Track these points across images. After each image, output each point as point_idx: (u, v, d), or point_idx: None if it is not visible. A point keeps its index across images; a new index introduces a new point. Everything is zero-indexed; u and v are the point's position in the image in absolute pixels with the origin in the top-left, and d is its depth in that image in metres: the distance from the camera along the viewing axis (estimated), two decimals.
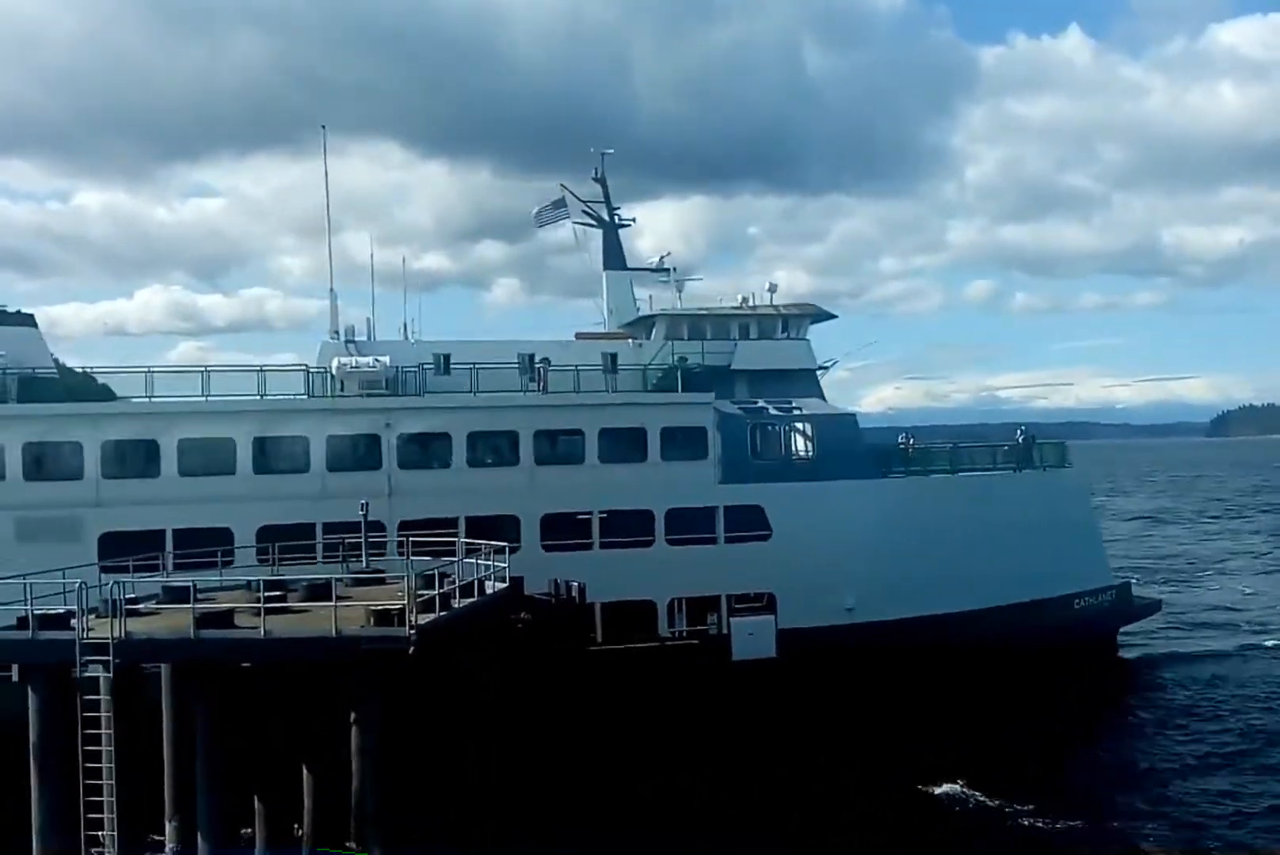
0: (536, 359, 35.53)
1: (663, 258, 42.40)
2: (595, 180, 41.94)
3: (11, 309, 34.41)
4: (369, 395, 32.33)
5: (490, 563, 25.72)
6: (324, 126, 38.23)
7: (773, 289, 40.18)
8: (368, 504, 27.39)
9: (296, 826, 22.94)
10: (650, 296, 41.42)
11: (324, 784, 22.84)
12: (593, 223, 41.70)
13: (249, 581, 25.15)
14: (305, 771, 22.44)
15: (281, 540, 28.47)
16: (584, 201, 41.77)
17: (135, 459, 30.16)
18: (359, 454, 31.69)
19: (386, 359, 32.48)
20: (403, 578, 25.30)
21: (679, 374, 33.99)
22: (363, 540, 27.66)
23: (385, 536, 30.12)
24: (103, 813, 20.41)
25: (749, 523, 33.19)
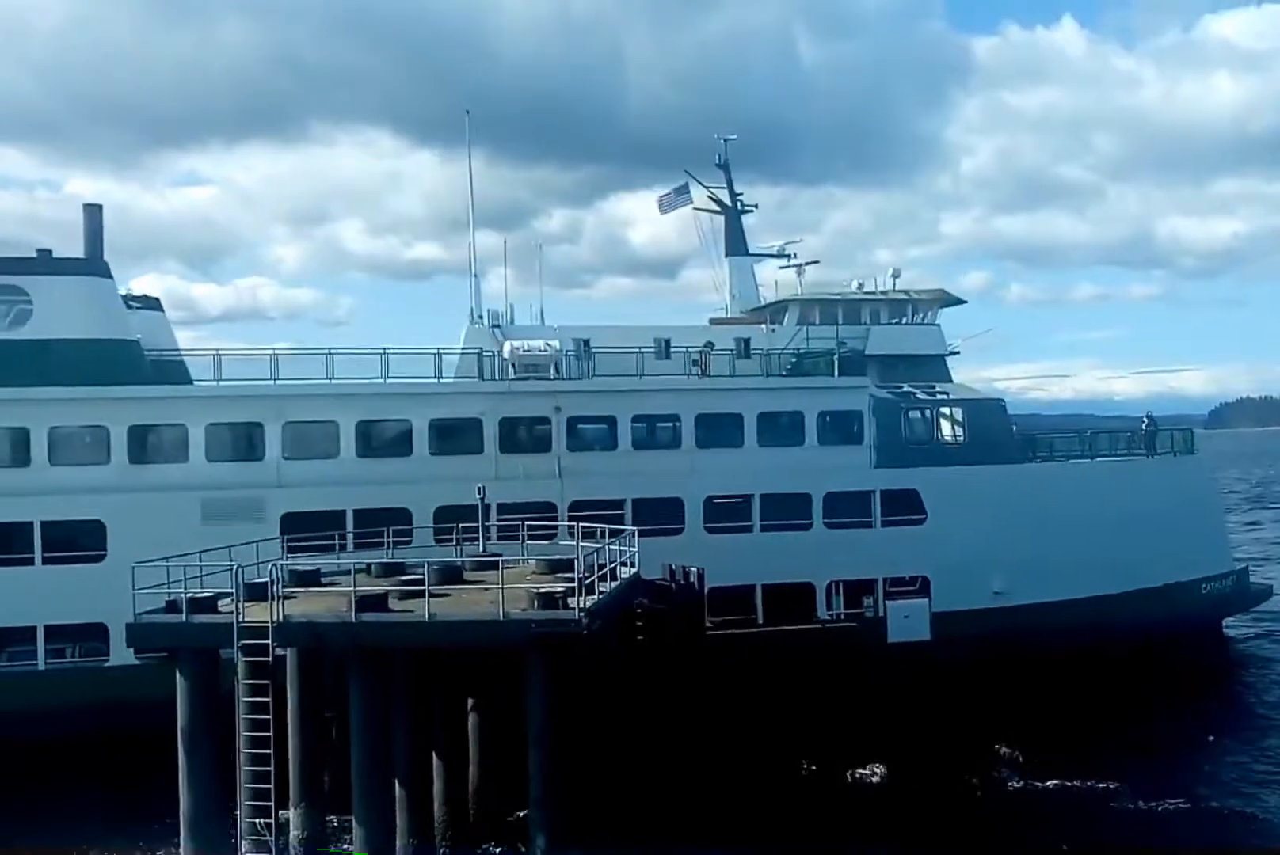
0: (672, 343, 35.89)
1: (785, 244, 42.71)
2: (718, 166, 42.19)
3: None
4: (536, 378, 32.59)
5: (629, 548, 25.69)
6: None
7: (896, 275, 40.49)
8: (484, 488, 27.43)
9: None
10: (776, 282, 41.78)
11: (463, 771, 23.04)
12: (717, 209, 41.96)
13: (368, 564, 25.39)
14: (436, 760, 22.36)
15: (458, 521, 28.73)
16: (707, 187, 42.04)
17: (315, 440, 30.37)
18: (530, 436, 31.96)
19: (556, 343, 32.72)
20: (520, 561, 26.17)
21: (835, 359, 34.19)
22: (479, 524, 27.69)
23: (556, 516, 30.47)
24: (264, 800, 20.25)
25: (904, 507, 33.49)
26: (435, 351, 32.04)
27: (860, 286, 40.80)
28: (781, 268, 42.27)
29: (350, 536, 28.86)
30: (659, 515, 31.67)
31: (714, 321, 39.87)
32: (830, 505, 32.96)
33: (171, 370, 31.93)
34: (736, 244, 41.89)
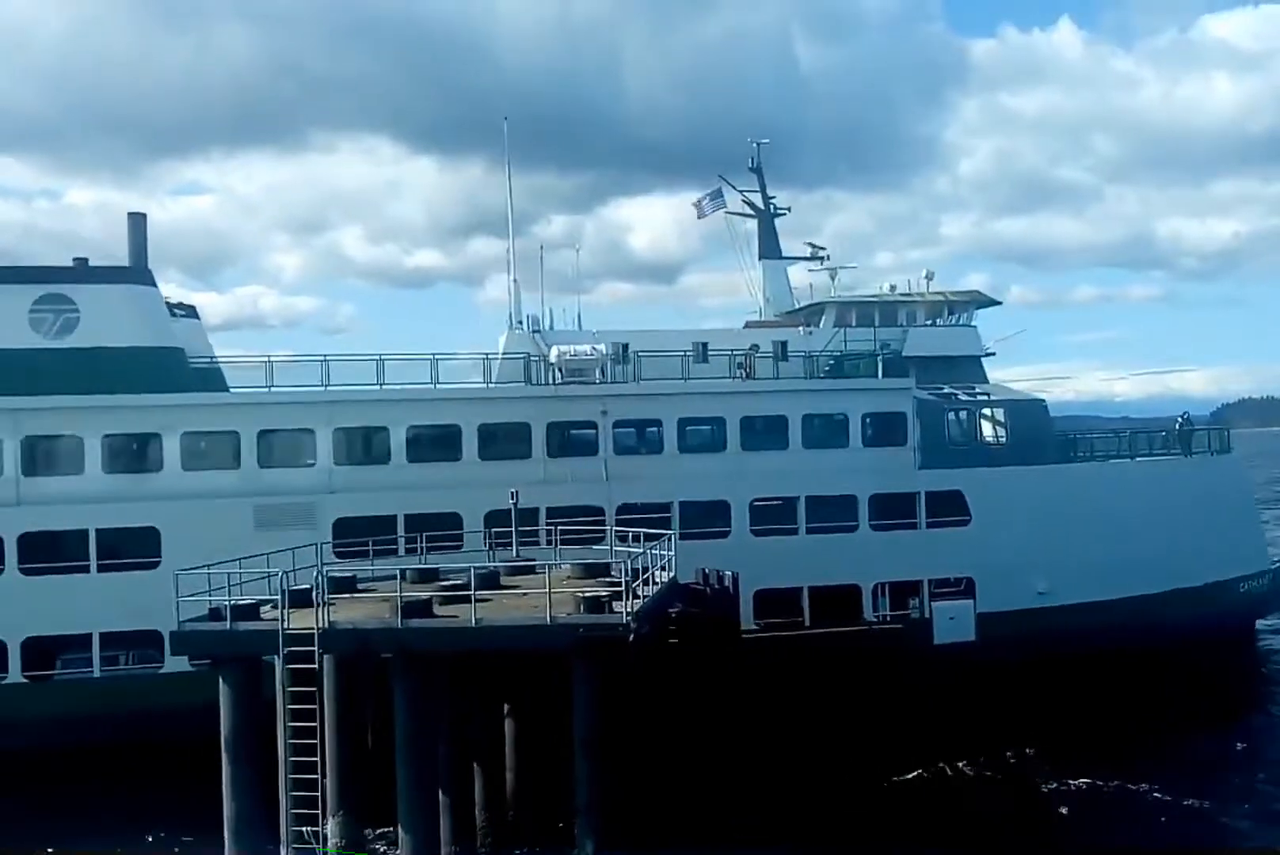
0: (709, 347, 35.93)
1: (817, 247, 42.77)
2: (751, 170, 42.29)
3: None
4: (581, 382, 32.68)
5: (666, 552, 25.47)
6: None
7: (929, 277, 40.61)
8: (517, 493, 27.51)
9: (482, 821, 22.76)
10: (811, 284, 41.87)
11: (501, 777, 22.92)
12: (750, 213, 42.06)
13: (402, 570, 25.23)
14: (477, 767, 22.38)
15: (508, 525, 28.75)
16: (740, 191, 42.15)
17: (366, 446, 30.46)
18: (577, 440, 32.03)
19: (603, 347, 32.80)
20: (552, 566, 25.93)
21: (879, 360, 34.26)
22: (513, 529, 27.81)
23: (604, 520, 30.51)
24: (310, 808, 20.14)
25: (949, 508, 33.54)
26: (483, 357, 32.15)
27: (893, 289, 40.95)
28: (812, 271, 42.40)
29: (401, 541, 28.95)
30: (706, 518, 31.77)
31: (750, 324, 39.94)
32: (875, 507, 32.99)
33: (210, 378, 32.03)
34: (770, 247, 41.98)
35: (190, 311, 37.19)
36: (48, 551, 28.26)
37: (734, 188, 41.99)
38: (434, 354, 31.19)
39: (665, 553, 25.43)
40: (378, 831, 22.13)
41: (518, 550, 27.84)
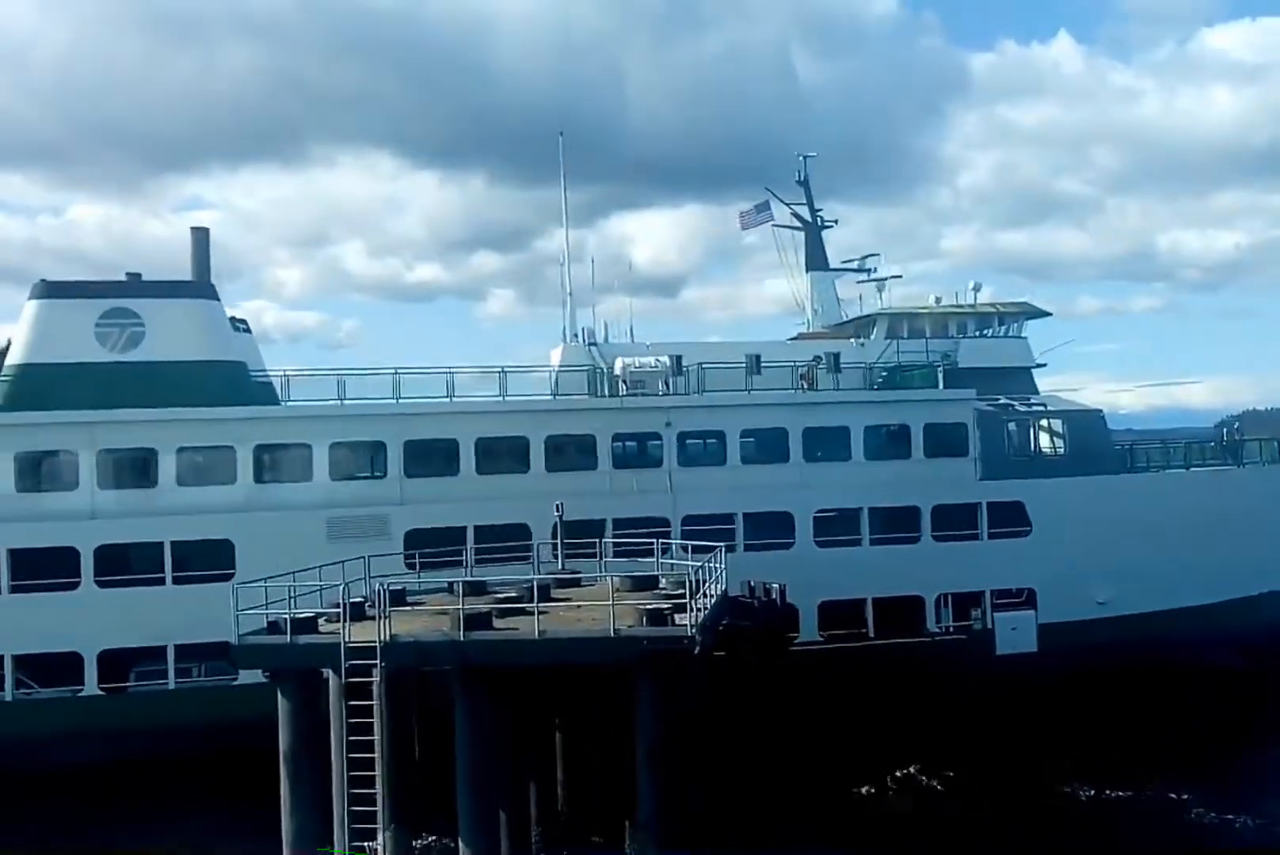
0: (762, 359, 36.01)
1: (864, 258, 42.94)
2: (798, 183, 42.49)
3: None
4: (644, 394, 32.82)
5: (718, 565, 25.08)
6: None
7: (977, 288, 40.74)
8: (562, 505, 27.56)
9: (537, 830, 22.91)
10: (860, 296, 41.99)
11: (553, 788, 23.09)
12: (798, 226, 42.24)
13: (450, 583, 25.48)
14: (533, 780, 22.47)
15: (574, 537, 28.84)
16: (788, 204, 42.35)
17: (435, 458, 30.57)
18: (642, 451, 32.16)
19: (666, 359, 32.92)
20: (599, 579, 26.21)
21: (940, 371, 34.37)
22: (559, 541, 27.89)
23: (669, 531, 30.61)
24: (371, 822, 20.10)
25: (1010, 518, 33.60)
26: (550, 369, 32.30)
27: (938, 300, 41.11)
28: (860, 282, 42.56)
29: (470, 552, 29.06)
30: (770, 529, 31.86)
31: (801, 336, 40.10)
32: (938, 518, 33.05)
33: (266, 392, 32.13)
34: (817, 259, 42.13)
35: (244, 325, 37.37)
36: (123, 564, 28.35)
37: (781, 200, 42.20)
38: (502, 367, 31.37)
39: (719, 566, 25.19)
40: (426, 844, 22.43)
41: (563, 563, 27.88)
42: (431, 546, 28.36)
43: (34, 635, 27.47)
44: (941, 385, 34.25)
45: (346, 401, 30.52)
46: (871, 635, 32.23)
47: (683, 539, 29.47)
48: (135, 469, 29.23)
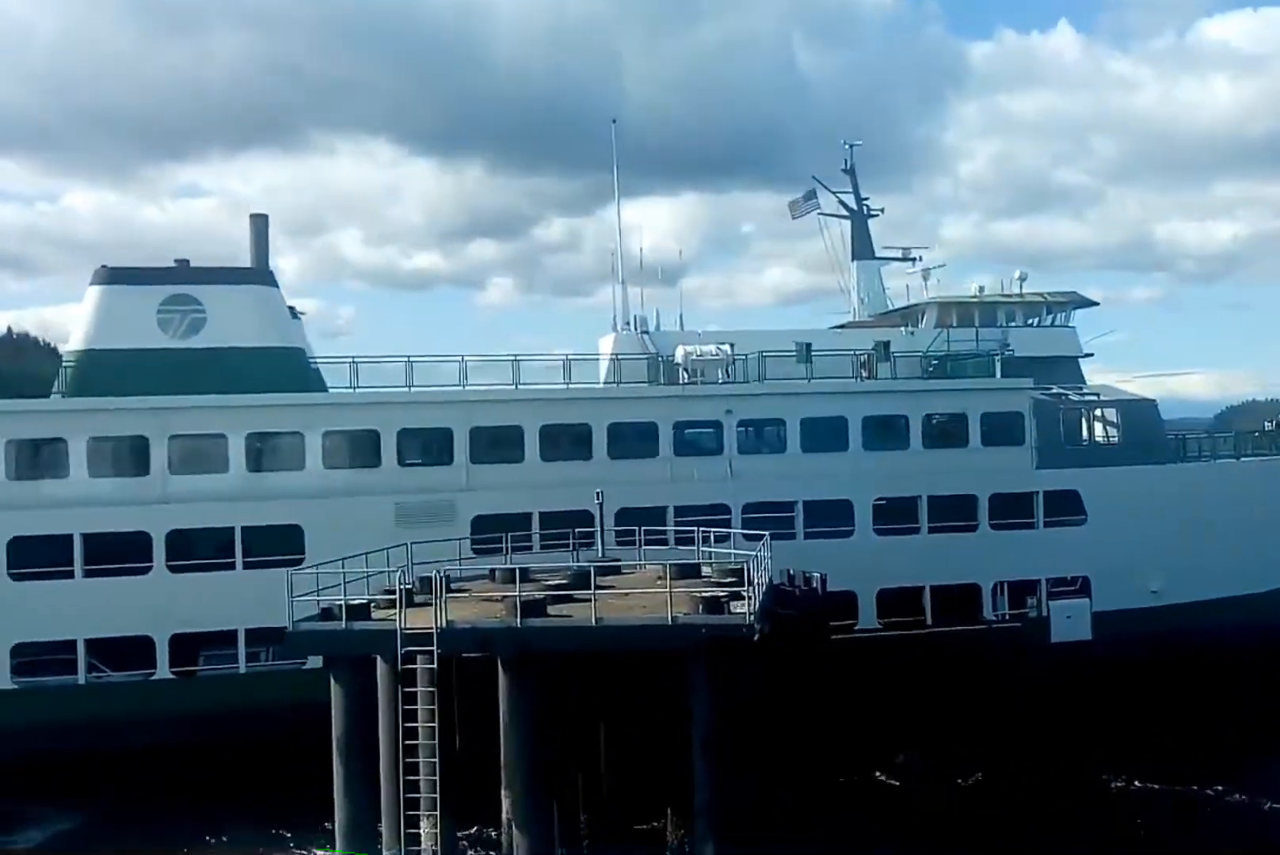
0: (813, 347, 36.12)
1: (909, 248, 43.04)
2: (844, 172, 42.55)
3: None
4: (703, 382, 32.94)
5: (760, 554, 24.53)
6: None
7: (1023, 278, 40.81)
8: (602, 493, 27.60)
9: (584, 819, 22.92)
10: (908, 286, 42.11)
11: (598, 775, 23.02)
12: (845, 214, 42.30)
13: (492, 570, 25.79)
14: (581, 768, 22.36)
15: (638, 523, 28.95)
16: (835, 192, 42.39)
17: (501, 444, 30.69)
18: (702, 439, 32.27)
19: (728, 347, 33.02)
20: (640, 567, 26.19)
21: (998, 360, 34.47)
22: (598, 529, 27.95)
23: (730, 518, 30.75)
24: (430, 809, 19.98)
25: (1065, 507, 33.76)
26: (614, 357, 32.41)
27: (980, 290, 41.20)
28: (909, 272, 42.66)
29: (536, 538, 29.22)
30: (829, 517, 32.00)
31: (850, 325, 40.19)
32: (995, 506, 33.20)
33: (316, 378, 32.20)
34: (863, 248, 42.23)
35: (292, 312, 37.46)
36: (194, 549, 28.48)
37: (828, 189, 42.24)
38: (567, 355, 31.52)
39: (765, 554, 25.13)
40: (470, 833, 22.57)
41: (603, 550, 27.98)
42: (497, 532, 28.55)
43: (107, 619, 27.61)
44: (999, 374, 34.32)
45: (415, 388, 30.60)
46: (929, 623, 32.39)
47: (743, 527, 29.66)
48: (206, 455, 29.32)
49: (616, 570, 26.49)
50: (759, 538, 25.73)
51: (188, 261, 32.54)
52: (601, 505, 27.70)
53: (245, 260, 33.62)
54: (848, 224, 42.33)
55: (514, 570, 24.03)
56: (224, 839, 25.31)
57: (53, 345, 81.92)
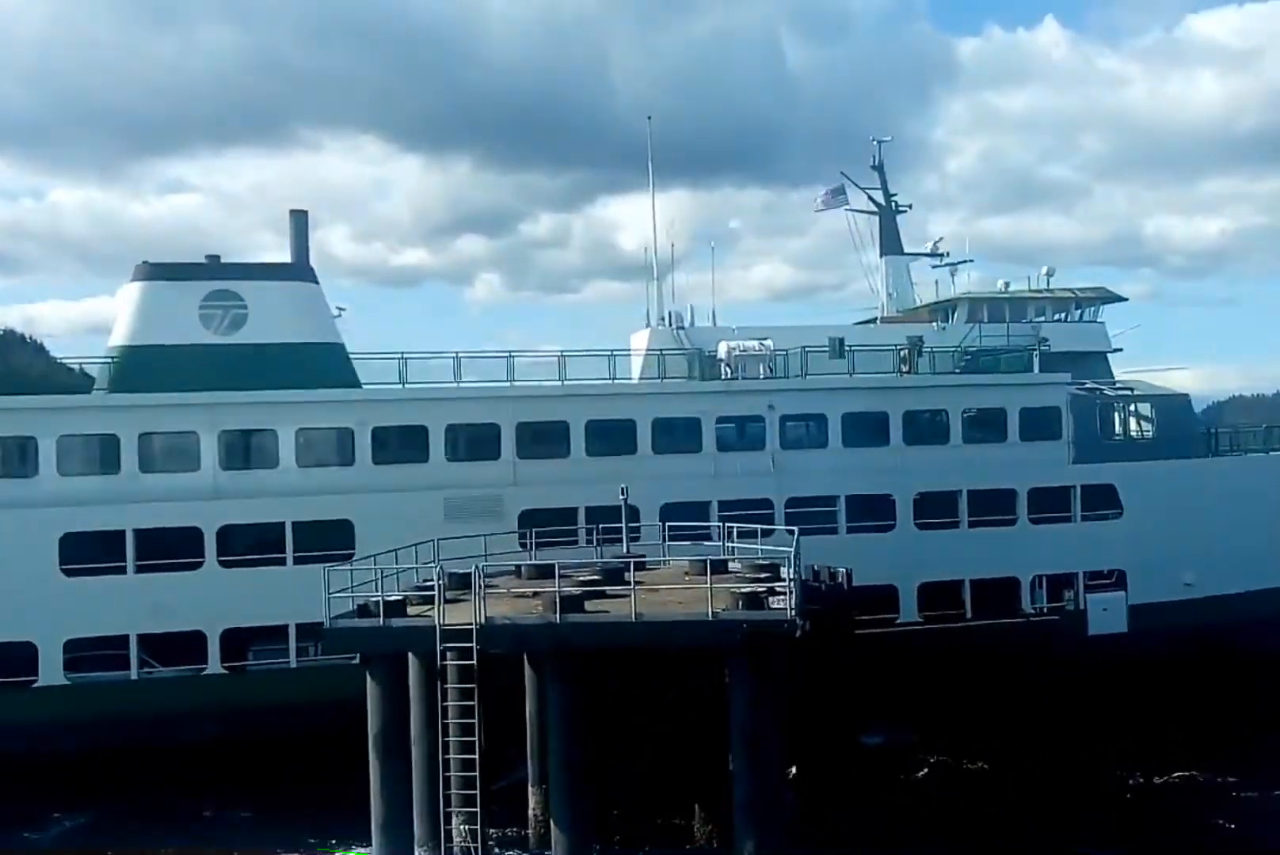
0: (846, 342, 36.28)
1: (936, 242, 43.29)
2: (872, 168, 42.74)
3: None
4: (745, 377, 33.09)
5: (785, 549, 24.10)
6: None
7: (1050, 273, 41.17)
8: (627, 489, 27.47)
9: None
10: (937, 281, 42.37)
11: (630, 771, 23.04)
12: (874, 210, 42.48)
13: (517, 566, 25.73)
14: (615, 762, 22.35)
15: (681, 518, 29.10)
16: (863, 188, 42.57)
17: (546, 440, 30.80)
18: (745, 434, 32.43)
19: (770, 342, 33.16)
20: (665, 563, 26.25)
21: (1036, 356, 34.69)
22: (623, 525, 27.68)
23: (773, 513, 30.92)
24: (470, 806, 19.91)
25: (1101, 501, 34.02)
26: (659, 353, 32.53)
27: (1006, 285, 41.51)
28: (935, 267, 42.93)
29: (582, 533, 29.37)
30: (871, 511, 32.22)
31: (883, 320, 40.40)
32: (1033, 500, 33.43)
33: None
34: (892, 244, 42.46)
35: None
36: (245, 544, 28.54)
37: (857, 186, 42.43)
38: (611, 351, 31.60)
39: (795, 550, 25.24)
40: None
41: (628, 546, 27.84)
42: (544, 526, 28.68)
43: (159, 615, 27.66)
44: (1038, 369, 34.55)
45: (463, 384, 30.72)
46: (969, 617, 32.63)
47: (786, 521, 29.80)
48: (256, 450, 29.38)
49: (642, 566, 26.52)
50: (802, 532, 25.95)
51: (218, 257, 32.56)
52: (626, 501, 27.62)
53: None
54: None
55: (542, 566, 24.00)
56: (273, 834, 25.30)
57: (39, 342, 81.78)
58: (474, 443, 30.57)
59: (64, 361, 38.96)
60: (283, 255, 33.27)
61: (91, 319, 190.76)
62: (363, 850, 22.26)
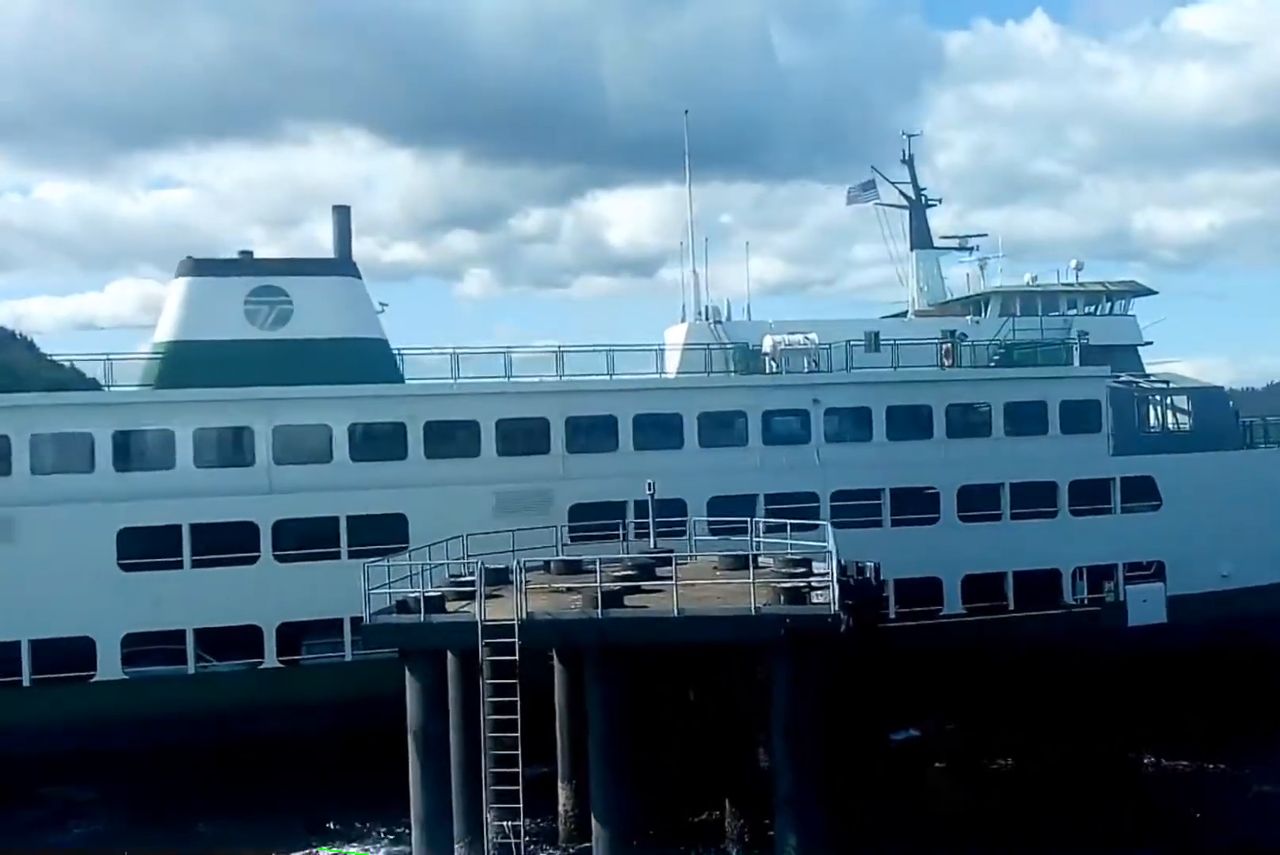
0: (881, 336, 36.45)
1: (966, 237, 43.47)
2: (902, 162, 42.86)
3: None
4: (787, 371, 33.26)
5: (823, 545, 23.87)
6: None
7: (1079, 267, 41.34)
8: (654, 484, 27.42)
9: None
10: (967, 275, 42.58)
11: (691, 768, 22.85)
12: (904, 204, 42.63)
13: (546, 561, 25.77)
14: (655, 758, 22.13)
15: (728, 512, 29.18)
16: (893, 182, 42.70)
17: (595, 434, 30.93)
18: (791, 428, 32.59)
19: (814, 335, 33.31)
20: (694, 558, 25.77)
21: (1075, 349, 34.93)
22: (650, 519, 27.87)
23: (818, 506, 31.07)
24: (512, 802, 19.82)
25: (1141, 493, 34.28)
26: (705, 347, 32.69)
27: (1034, 279, 41.69)
28: (963, 262, 43.14)
29: (631, 527, 29.50)
30: (916, 505, 32.43)
31: (916, 314, 40.59)
32: (1074, 493, 33.67)
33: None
34: (922, 238, 42.55)
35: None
36: (300, 538, 28.63)
37: (887, 179, 42.55)
38: (659, 345, 31.75)
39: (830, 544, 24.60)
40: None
41: (656, 541, 27.99)
42: (594, 520, 28.82)
43: (215, 609, 27.75)
44: (1078, 362, 34.77)
45: (514, 379, 30.86)
46: (1012, 608, 32.87)
47: (832, 514, 29.94)
48: (310, 445, 29.45)
49: (668, 561, 26.42)
50: (847, 525, 26.11)
51: (250, 252, 32.62)
52: (653, 495, 27.63)
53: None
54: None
55: (570, 561, 24.52)
56: (331, 826, 25.35)
57: (28, 338, 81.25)
58: (524, 437, 30.70)
59: (53, 358, 39.19)
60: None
61: (80, 315, 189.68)
62: (363, 851, 22.48)
